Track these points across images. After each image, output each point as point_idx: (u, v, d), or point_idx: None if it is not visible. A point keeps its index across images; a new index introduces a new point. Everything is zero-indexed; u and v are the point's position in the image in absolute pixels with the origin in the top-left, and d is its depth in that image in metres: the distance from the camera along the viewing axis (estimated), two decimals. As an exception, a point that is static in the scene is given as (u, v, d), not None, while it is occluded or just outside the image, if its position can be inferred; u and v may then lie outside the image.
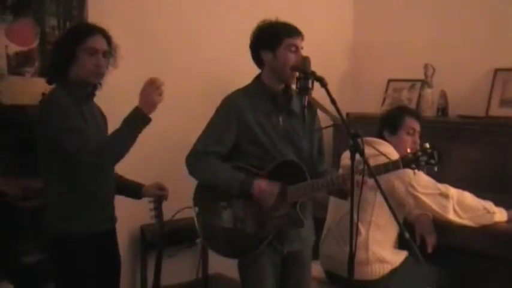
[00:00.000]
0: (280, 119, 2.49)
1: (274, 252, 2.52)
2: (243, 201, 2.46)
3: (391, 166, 2.43)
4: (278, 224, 2.45)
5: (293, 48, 2.45)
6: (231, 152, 2.52)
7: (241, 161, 2.50)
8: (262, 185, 2.40)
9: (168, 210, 2.74)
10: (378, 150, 2.53)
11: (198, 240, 2.56)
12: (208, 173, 2.47)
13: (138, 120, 2.22)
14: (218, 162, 2.48)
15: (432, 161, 2.39)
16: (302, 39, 2.49)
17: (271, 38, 2.48)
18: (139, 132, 2.24)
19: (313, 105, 2.48)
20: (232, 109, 2.49)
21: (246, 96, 2.51)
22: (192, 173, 2.50)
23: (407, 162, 2.41)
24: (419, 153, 2.40)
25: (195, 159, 2.49)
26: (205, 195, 2.54)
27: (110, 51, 2.37)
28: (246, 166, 2.48)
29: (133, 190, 2.60)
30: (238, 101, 2.50)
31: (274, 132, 2.49)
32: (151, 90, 2.23)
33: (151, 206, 2.63)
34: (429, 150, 2.39)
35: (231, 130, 2.47)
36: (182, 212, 2.72)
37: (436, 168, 2.43)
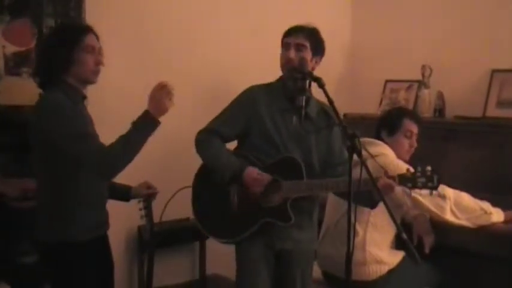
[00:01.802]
0: (294, 119, 2.51)
1: (266, 247, 2.56)
2: (236, 186, 2.51)
3: None
4: (266, 214, 2.48)
5: (284, 47, 2.55)
6: (241, 143, 2.63)
7: (248, 152, 2.56)
8: (253, 172, 2.46)
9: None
10: (369, 152, 2.52)
11: (191, 218, 2.58)
12: (209, 152, 2.57)
13: (148, 124, 2.19)
14: (221, 146, 2.58)
15: (430, 184, 2.35)
16: (301, 35, 2.53)
17: (281, 41, 2.60)
18: (149, 136, 2.20)
19: (330, 114, 2.52)
20: (249, 98, 2.59)
21: (265, 91, 2.60)
22: (197, 148, 2.60)
23: (404, 180, 2.38)
24: (418, 174, 2.35)
25: (202, 136, 2.60)
26: (203, 176, 2.62)
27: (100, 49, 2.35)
28: (249, 155, 2.54)
29: (122, 193, 2.57)
30: (256, 94, 2.59)
31: (286, 131, 2.54)
32: (163, 95, 2.19)
33: (141, 205, 2.62)
34: (429, 173, 2.34)
35: (243, 117, 2.57)
36: (181, 211, 2.71)
37: (433, 193, 2.39)
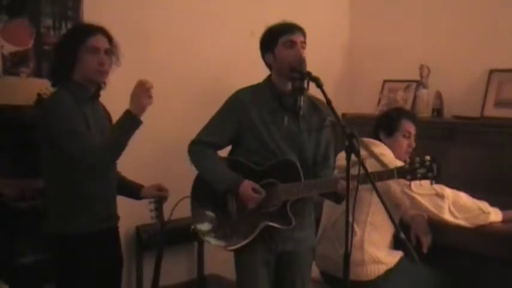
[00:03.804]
0: (285, 119, 2.50)
1: (267, 251, 2.54)
2: (233, 196, 2.49)
3: (385, 175, 2.41)
4: (267, 218, 2.47)
5: (288, 44, 2.47)
6: (234, 146, 2.60)
7: (243, 156, 2.54)
8: (247, 189, 2.44)
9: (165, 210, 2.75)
10: (372, 152, 2.52)
11: (193, 227, 2.59)
12: (203, 164, 2.54)
13: (129, 123, 2.25)
14: (215, 156, 2.55)
15: (430, 174, 2.34)
16: (302, 34, 2.50)
17: (269, 40, 2.53)
18: (131, 135, 2.26)
19: (320, 107, 2.50)
20: (236, 103, 2.55)
21: (253, 93, 2.56)
22: (191, 161, 2.57)
23: (403, 173, 2.37)
24: (417, 165, 2.34)
25: (195, 148, 2.56)
26: (201, 188, 2.59)
27: (111, 50, 2.38)
28: (244, 161, 2.52)
29: (134, 190, 2.61)
30: (244, 97, 2.55)
31: (278, 131, 2.51)
32: (141, 93, 2.25)
33: (152, 207, 2.63)
34: (428, 163, 2.33)
35: (232, 123, 2.53)
36: (179, 212, 2.71)
37: (434, 182, 2.38)
